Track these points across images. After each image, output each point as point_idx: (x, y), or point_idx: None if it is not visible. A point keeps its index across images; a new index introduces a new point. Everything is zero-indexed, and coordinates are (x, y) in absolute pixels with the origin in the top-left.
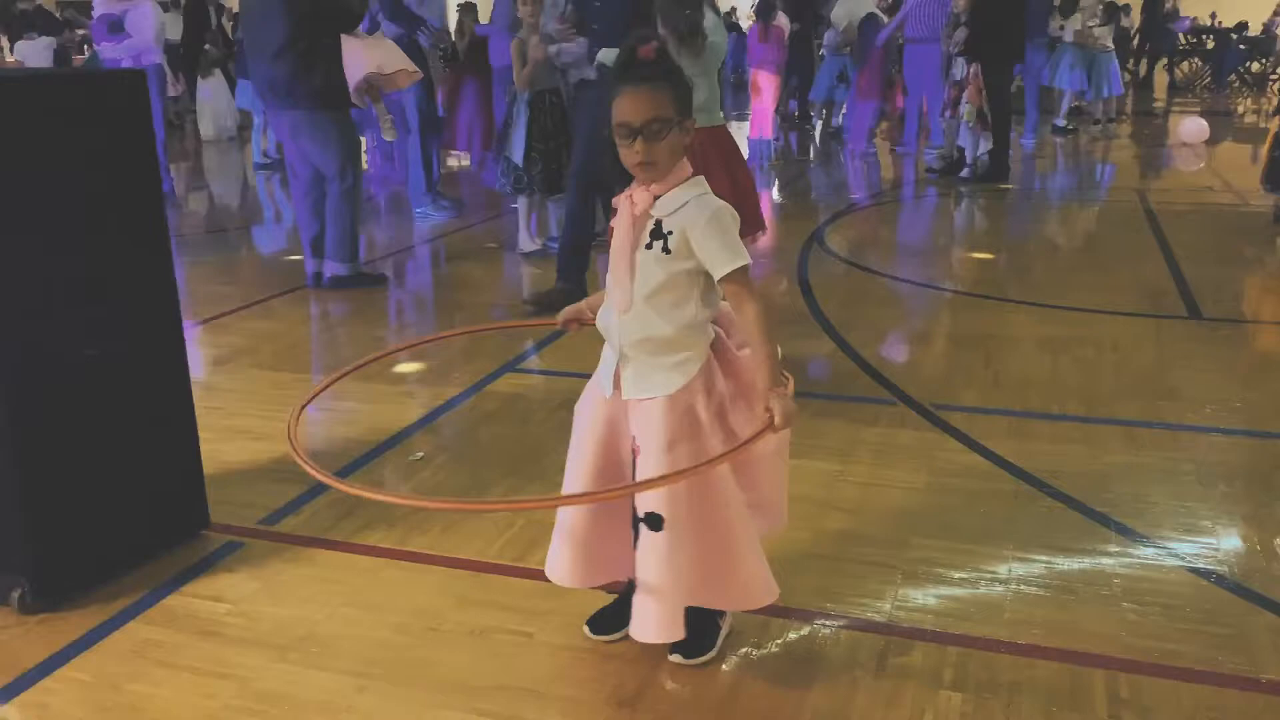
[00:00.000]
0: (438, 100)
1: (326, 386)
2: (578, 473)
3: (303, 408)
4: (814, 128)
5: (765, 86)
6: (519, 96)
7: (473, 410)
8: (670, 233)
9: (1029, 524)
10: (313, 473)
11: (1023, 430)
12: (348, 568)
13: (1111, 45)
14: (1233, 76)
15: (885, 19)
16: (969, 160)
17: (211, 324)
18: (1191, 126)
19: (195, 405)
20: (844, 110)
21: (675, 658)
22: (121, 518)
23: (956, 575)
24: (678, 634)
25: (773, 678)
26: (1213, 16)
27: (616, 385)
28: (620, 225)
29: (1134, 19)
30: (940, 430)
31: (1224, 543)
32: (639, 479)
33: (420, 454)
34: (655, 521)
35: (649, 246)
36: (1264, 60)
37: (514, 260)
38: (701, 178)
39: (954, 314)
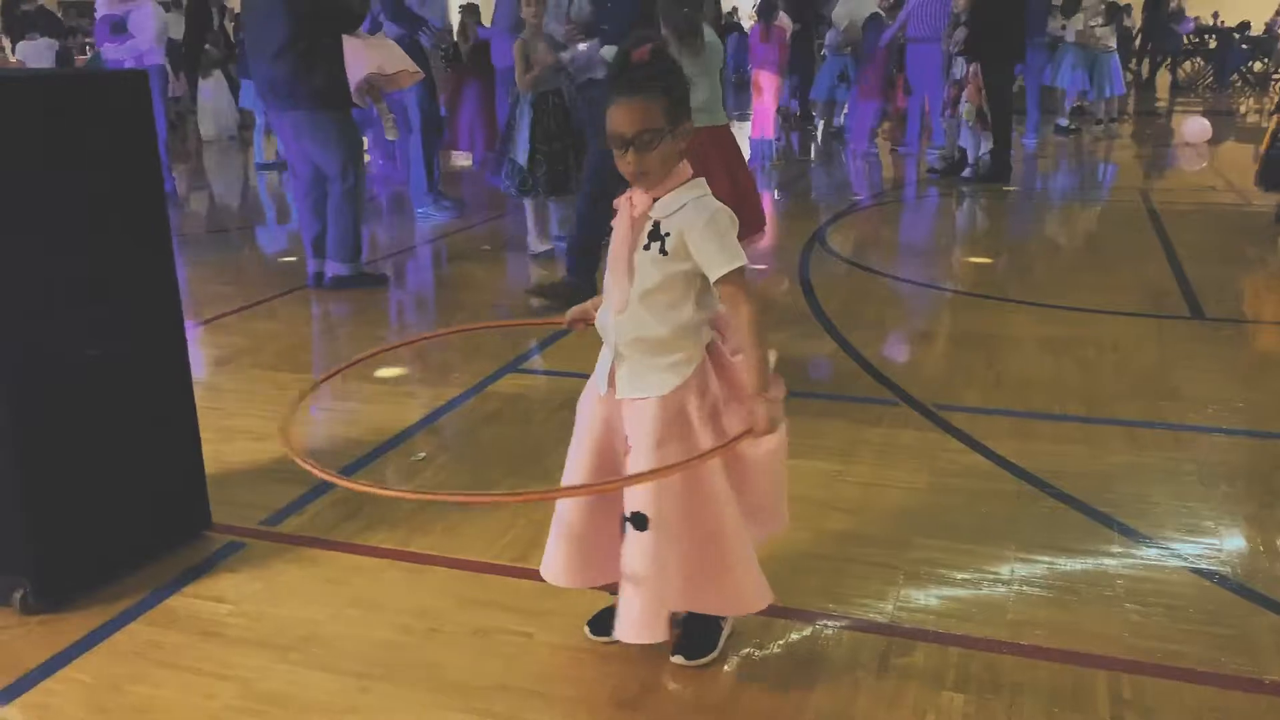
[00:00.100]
0: (440, 100)
1: (319, 385)
2: (574, 470)
3: (294, 408)
4: (816, 128)
5: (767, 86)
6: (522, 98)
7: (474, 410)
8: (668, 234)
9: (1031, 524)
10: (311, 468)
11: (1025, 430)
12: (350, 568)
13: (1114, 45)
14: (1235, 76)
15: (888, 19)
16: (971, 160)
17: (213, 324)
18: (1194, 126)
19: (197, 405)
20: (845, 110)
21: (677, 659)
22: (123, 518)
23: (958, 576)
24: (660, 635)
25: (774, 678)
26: (1215, 16)
27: (611, 384)
28: (619, 226)
29: (1134, 19)
30: (942, 430)
31: (1227, 543)
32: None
33: (422, 454)
34: (640, 521)
35: (646, 248)
36: (1266, 60)
37: (516, 261)
38: (702, 180)
39: (956, 314)
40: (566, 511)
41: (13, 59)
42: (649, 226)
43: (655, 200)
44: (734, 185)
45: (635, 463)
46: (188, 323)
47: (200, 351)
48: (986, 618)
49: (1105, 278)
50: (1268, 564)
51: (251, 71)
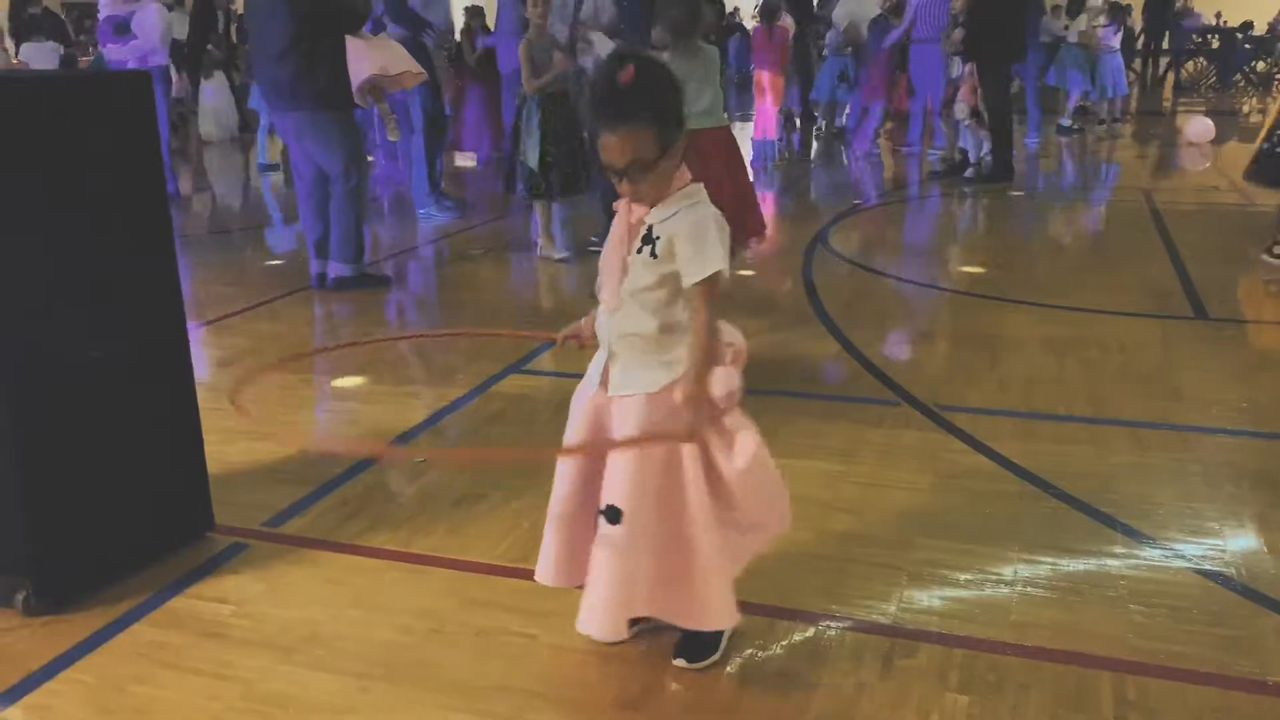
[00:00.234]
0: (444, 101)
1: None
2: (564, 466)
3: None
4: (819, 128)
5: (769, 87)
6: (529, 100)
7: (478, 411)
8: (658, 238)
9: (1034, 525)
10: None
11: (1028, 431)
12: (352, 569)
13: (1117, 46)
14: (1238, 76)
15: (893, 20)
16: (973, 161)
17: (215, 325)
18: (1197, 126)
19: (199, 406)
20: (847, 110)
21: (679, 662)
22: (125, 519)
23: (962, 576)
24: (619, 634)
25: (777, 680)
26: (1218, 16)
27: (604, 383)
28: (615, 230)
29: (1135, 19)
30: (945, 431)
31: (1231, 544)
32: (608, 472)
33: (423, 456)
34: (614, 515)
35: (639, 251)
36: (1269, 59)
37: (518, 262)
38: (700, 185)
39: (958, 314)
40: (556, 512)
41: (14, 61)
42: (644, 231)
43: (652, 206)
44: (734, 189)
45: (615, 456)
46: (190, 324)
47: (203, 352)
48: (990, 618)
49: (1108, 278)
50: (1272, 565)
51: (255, 72)
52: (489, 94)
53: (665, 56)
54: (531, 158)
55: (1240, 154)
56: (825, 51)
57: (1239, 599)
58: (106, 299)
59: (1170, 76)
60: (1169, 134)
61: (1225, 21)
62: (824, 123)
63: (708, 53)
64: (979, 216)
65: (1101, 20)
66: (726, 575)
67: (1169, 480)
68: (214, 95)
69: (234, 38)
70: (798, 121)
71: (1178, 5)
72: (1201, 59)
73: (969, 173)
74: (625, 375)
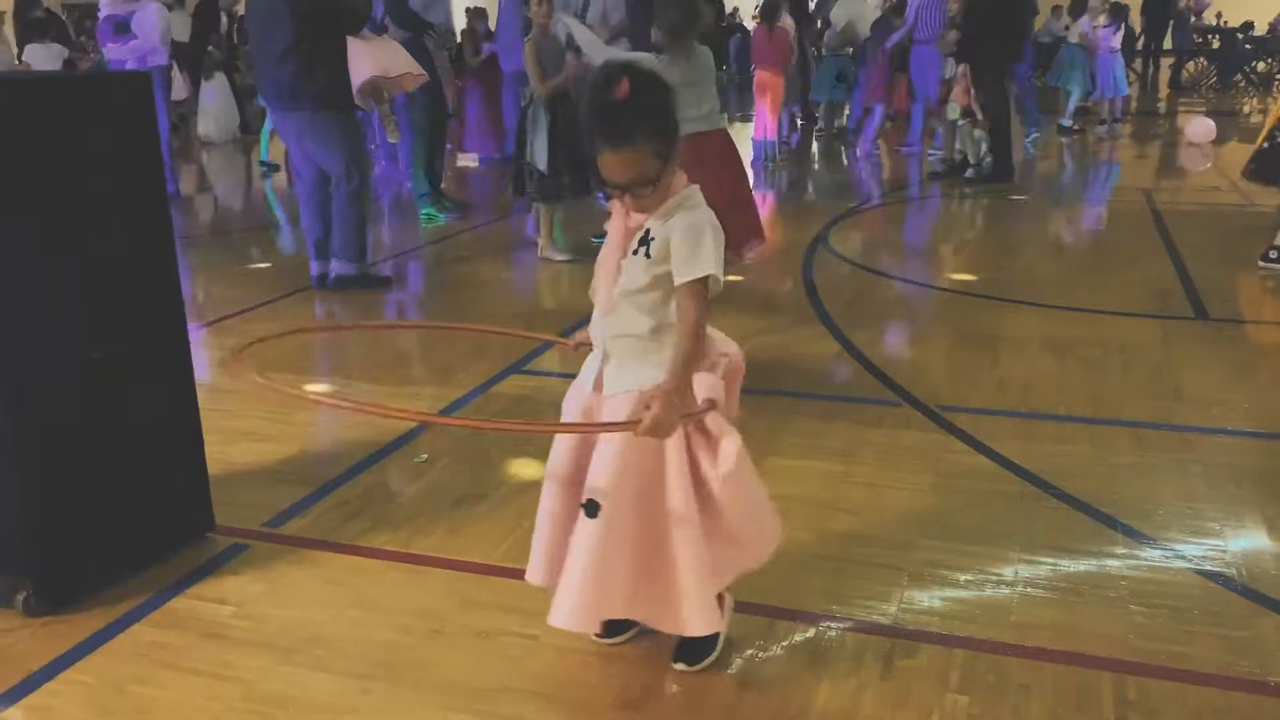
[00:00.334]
0: (445, 102)
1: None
2: (554, 462)
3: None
4: (820, 128)
5: (769, 88)
6: (536, 102)
7: (478, 411)
8: (653, 239)
9: (1035, 525)
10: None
11: (1029, 431)
12: (352, 570)
13: (1117, 46)
14: (1238, 76)
15: (896, 22)
16: (973, 161)
17: (216, 326)
18: (1198, 127)
19: (200, 407)
20: (847, 111)
21: (679, 666)
22: (126, 520)
23: (962, 577)
24: (588, 626)
25: (778, 680)
26: (1219, 16)
27: (597, 388)
28: (613, 232)
29: (1134, 20)
30: (945, 431)
31: (1232, 544)
32: (590, 468)
33: (424, 455)
34: (592, 508)
35: (635, 252)
36: (1270, 60)
37: (518, 263)
38: (696, 188)
39: (959, 315)
40: (545, 512)
41: (16, 63)
42: (640, 234)
43: (650, 212)
44: (731, 192)
45: (601, 449)
46: (190, 324)
47: (203, 353)
48: (991, 619)
49: (1109, 278)
50: (1273, 565)
51: (255, 73)
52: (490, 95)
53: (663, 59)
54: (541, 160)
55: (1241, 154)
56: (823, 51)
57: (1240, 599)
58: (106, 299)
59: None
60: (1169, 134)
61: (1225, 21)
62: (823, 123)
63: (702, 54)
64: (979, 217)
65: (1102, 20)
66: (707, 583)
67: (1169, 480)
68: (215, 96)
69: (235, 38)
70: (798, 122)
71: (1181, 4)
72: (1202, 59)
73: (969, 173)
74: (619, 375)
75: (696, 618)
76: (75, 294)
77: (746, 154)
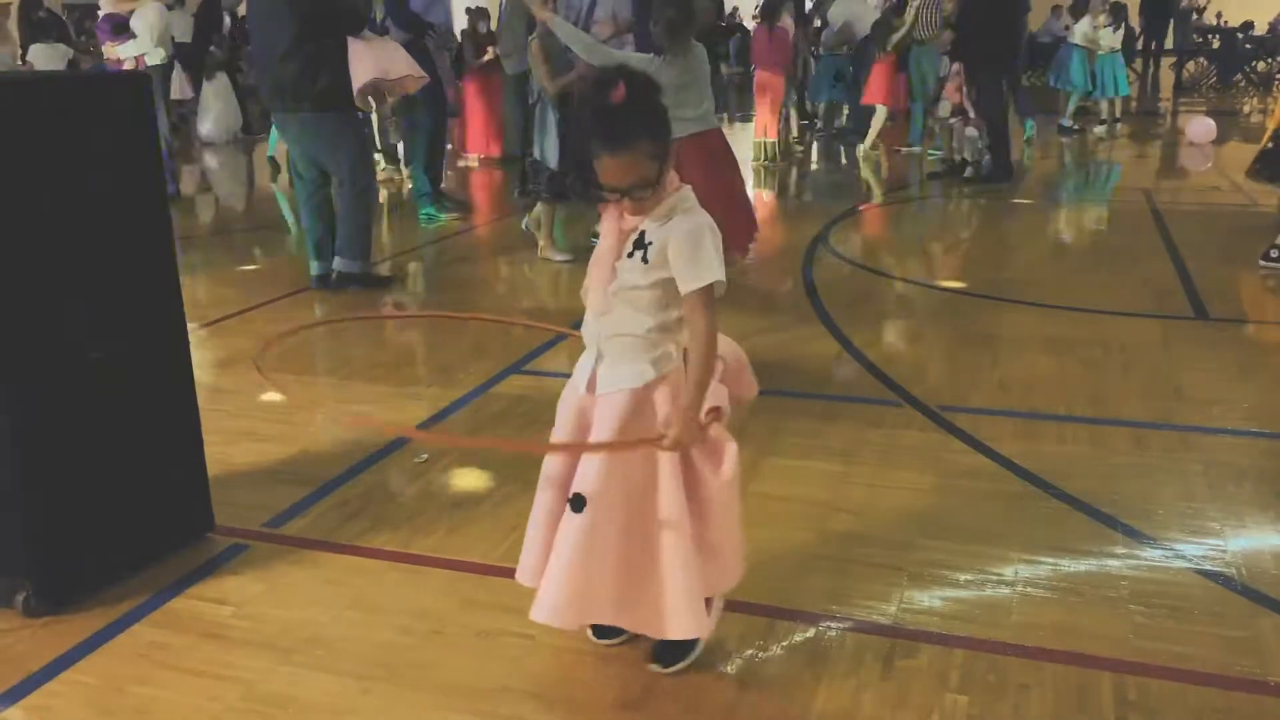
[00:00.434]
0: (446, 102)
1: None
2: (549, 465)
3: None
4: (820, 129)
5: (769, 87)
6: (543, 100)
7: (479, 411)
8: (650, 243)
9: (1035, 525)
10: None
11: (1029, 431)
12: (352, 570)
13: (1118, 46)
14: (1239, 76)
15: (895, 20)
16: (972, 161)
17: (216, 326)
18: (1198, 126)
19: (200, 407)
20: (846, 111)
21: (654, 667)
22: (126, 520)
23: (962, 577)
24: (571, 622)
25: (778, 680)
26: (1219, 16)
27: (590, 388)
28: (606, 234)
29: (1134, 20)
30: (946, 431)
31: (1232, 544)
32: (580, 463)
33: (424, 456)
34: (578, 503)
35: (630, 255)
36: (1270, 60)
37: (520, 263)
38: (689, 190)
39: (959, 315)
40: (538, 512)
41: (19, 63)
42: (635, 236)
43: (645, 214)
44: (727, 192)
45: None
46: (190, 324)
47: (203, 353)
48: (991, 619)
49: (1109, 278)
50: (1273, 565)
51: (256, 74)
52: (491, 95)
53: (662, 59)
54: (551, 158)
55: (1241, 154)
56: (820, 50)
57: (1240, 599)
58: (106, 299)
59: (1163, 76)
60: (1169, 133)
61: (1225, 21)
62: (822, 123)
63: (698, 53)
64: (978, 217)
65: (1102, 20)
66: (692, 589)
67: (1170, 480)
68: (216, 96)
69: (237, 38)
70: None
71: (1182, 4)
72: (1202, 59)
73: (968, 173)
74: (612, 373)
75: (686, 619)
76: (75, 294)
77: (745, 155)
